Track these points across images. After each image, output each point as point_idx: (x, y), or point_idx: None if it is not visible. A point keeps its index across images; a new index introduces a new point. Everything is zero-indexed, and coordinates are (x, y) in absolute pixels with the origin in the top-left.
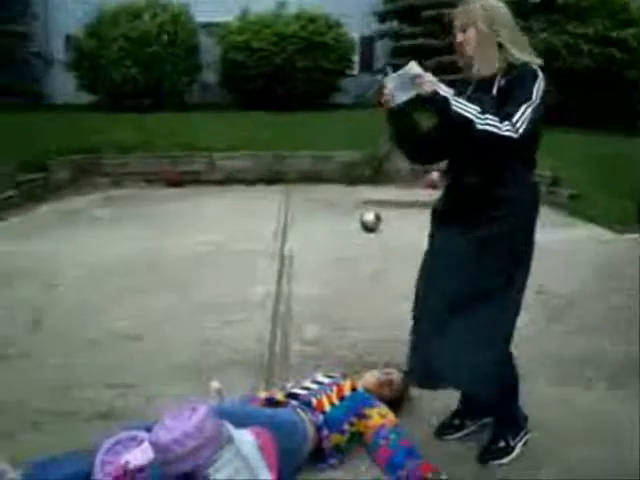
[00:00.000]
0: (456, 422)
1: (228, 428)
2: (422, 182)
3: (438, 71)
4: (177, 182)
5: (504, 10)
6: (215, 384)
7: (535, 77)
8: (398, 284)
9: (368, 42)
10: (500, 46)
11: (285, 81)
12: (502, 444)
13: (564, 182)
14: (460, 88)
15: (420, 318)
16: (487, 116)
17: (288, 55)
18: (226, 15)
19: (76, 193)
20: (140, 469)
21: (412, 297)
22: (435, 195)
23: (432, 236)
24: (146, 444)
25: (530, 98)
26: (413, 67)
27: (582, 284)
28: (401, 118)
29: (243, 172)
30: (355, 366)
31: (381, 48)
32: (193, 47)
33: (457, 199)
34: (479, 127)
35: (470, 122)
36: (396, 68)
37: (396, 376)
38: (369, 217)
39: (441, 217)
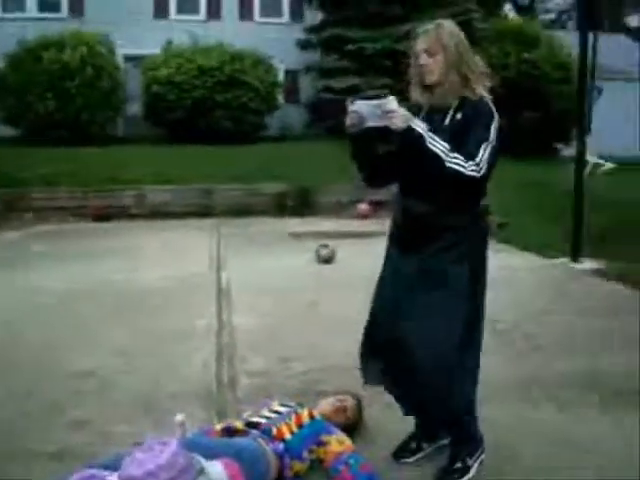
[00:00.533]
0: (413, 445)
1: (199, 460)
2: (352, 213)
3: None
4: (104, 216)
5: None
6: (179, 417)
7: (492, 117)
8: (335, 313)
9: (293, 75)
10: (463, 77)
11: (207, 115)
12: (459, 465)
13: (492, 210)
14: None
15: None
16: (455, 155)
17: (209, 90)
18: (151, 48)
19: (5, 228)
20: None
21: (348, 324)
22: (364, 225)
23: (389, 257)
24: None
25: (488, 139)
26: (391, 102)
27: (523, 308)
28: (363, 143)
29: (172, 206)
30: (305, 395)
31: (306, 81)
32: (117, 80)
33: (409, 227)
34: (447, 165)
35: (439, 159)
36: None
37: (350, 402)
38: (324, 251)
39: (397, 242)
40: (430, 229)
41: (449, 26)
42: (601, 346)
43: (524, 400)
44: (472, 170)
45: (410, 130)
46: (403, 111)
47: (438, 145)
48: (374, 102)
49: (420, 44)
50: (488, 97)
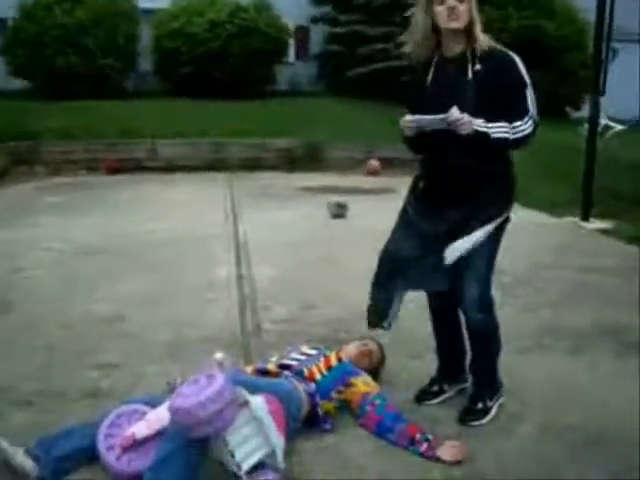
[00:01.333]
0: (435, 388)
1: (244, 394)
2: (363, 169)
3: (370, 59)
4: (117, 169)
5: None
6: (219, 355)
7: (517, 62)
8: (350, 264)
9: (303, 30)
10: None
11: (220, 68)
12: (480, 406)
13: None
14: (417, 80)
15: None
16: (513, 125)
17: (222, 41)
18: (163, 2)
19: (15, 181)
20: (145, 440)
21: (364, 275)
22: (375, 182)
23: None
24: (150, 416)
25: (526, 83)
26: (454, 113)
27: (528, 263)
28: (416, 140)
29: (184, 159)
30: (328, 341)
31: (316, 35)
32: (132, 35)
33: (446, 178)
34: (512, 138)
35: (506, 140)
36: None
37: (373, 346)
38: (336, 206)
39: (427, 195)
40: (475, 179)
41: None
42: (608, 301)
43: (537, 349)
44: (530, 126)
45: (476, 132)
46: (466, 116)
47: (500, 129)
48: (437, 117)
49: None
50: (500, 46)
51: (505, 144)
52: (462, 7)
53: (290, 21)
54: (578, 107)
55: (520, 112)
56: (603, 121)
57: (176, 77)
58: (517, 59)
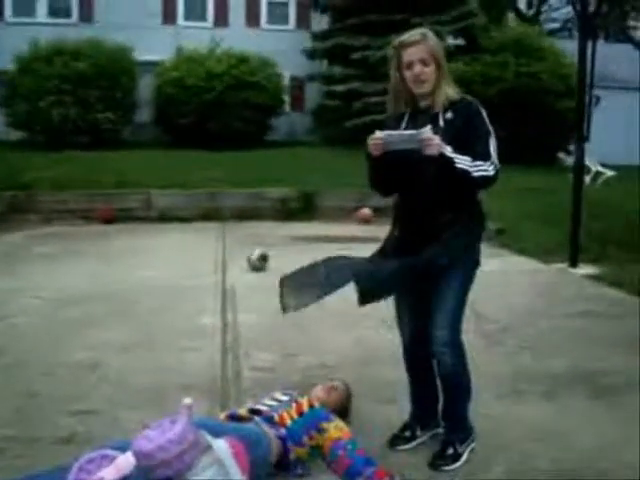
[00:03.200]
0: (407, 434)
1: (206, 437)
2: (354, 217)
3: (365, 112)
4: (112, 219)
5: None
6: (187, 400)
7: (482, 111)
8: (337, 311)
9: (298, 81)
10: (447, 81)
11: (217, 118)
12: (451, 451)
13: (490, 216)
14: (391, 123)
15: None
16: (476, 163)
17: (219, 92)
18: (163, 54)
19: (8, 230)
20: None
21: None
22: (366, 230)
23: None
24: (119, 461)
25: (489, 131)
26: (427, 132)
27: (514, 310)
28: (379, 161)
29: (179, 210)
30: (305, 387)
31: (311, 88)
32: (130, 87)
33: (415, 230)
34: (474, 175)
35: (467, 172)
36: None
37: (338, 383)
38: (254, 256)
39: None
40: (438, 225)
41: (432, 35)
42: (589, 346)
43: (513, 394)
44: (493, 169)
45: (442, 155)
46: (437, 139)
47: (463, 162)
48: (409, 132)
49: (414, 54)
50: (465, 95)
51: (467, 177)
52: (428, 70)
53: (286, 72)
54: (568, 152)
55: (482, 155)
56: (594, 167)
57: (174, 128)
58: (482, 109)
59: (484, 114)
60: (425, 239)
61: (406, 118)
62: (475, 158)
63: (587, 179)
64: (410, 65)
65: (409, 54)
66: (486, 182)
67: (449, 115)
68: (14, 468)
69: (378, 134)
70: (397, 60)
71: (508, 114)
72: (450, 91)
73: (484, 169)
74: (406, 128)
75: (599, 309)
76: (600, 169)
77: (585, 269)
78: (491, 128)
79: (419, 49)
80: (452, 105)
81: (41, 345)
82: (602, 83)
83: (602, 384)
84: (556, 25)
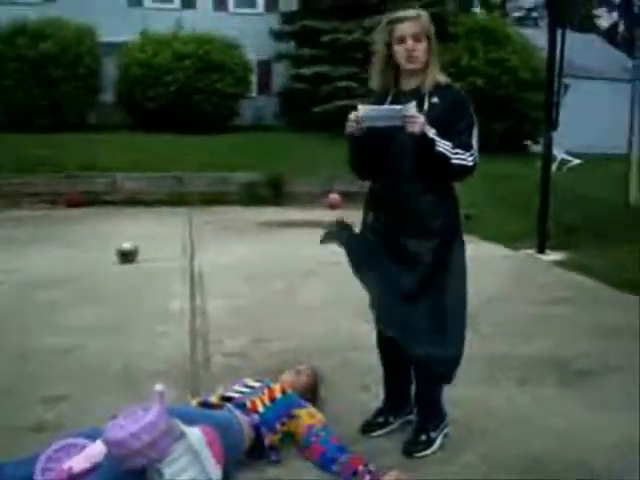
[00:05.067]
0: (380, 420)
1: (179, 425)
2: (323, 203)
3: (334, 96)
4: (78, 203)
5: None
6: (159, 387)
7: (468, 102)
8: (306, 298)
9: (265, 65)
10: (436, 64)
11: (183, 103)
12: (424, 437)
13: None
14: (373, 103)
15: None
16: (457, 150)
17: (186, 77)
18: (128, 35)
19: None
20: (83, 473)
21: (320, 308)
22: (335, 215)
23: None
24: (89, 449)
25: (474, 123)
26: (411, 108)
27: (484, 296)
28: (360, 142)
29: (144, 193)
30: (276, 374)
31: (278, 70)
32: (94, 68)
33: (394, 212)
34: (453, 161)
35: (446, 157)
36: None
37: (305, 366)
38: (127, 246)
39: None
40: (417, 208)
41: (426, 15)
42: (560, 332)
43: (487, 380)
44: (472, 160)
45: (424, 135)
46: (421, 118)
47: (443, 145)
48: (394, 107)
49: (407, 29)
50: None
51: (445, 162)
52: (420, 46)
53: (253, 55)
54: (537, 141)
55: (464, 145)
56: (559, 155)
57: (141, 110)
58: (468, 98)
59: (470, 104)
60: (402, 225)
61: (389, 99)
62: (457, 146)
63: (553, 167)
64: (403, 39)
65: (402, 29)
66: (463, 171)
67: (435, 99)
68: None
69: (360, 108)
70: (388, 35)
71: (478, 103)
72: (439, 75)
73: (463, 158)
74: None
75: (567, 295)
76: (565, 157)
77: (552, 255)
78: (475, 119)
79: (413, 25)
80: (439, 90)
81: (8, 330)
82: (568, 72)
83: (572, 370)
84: (521, 14)
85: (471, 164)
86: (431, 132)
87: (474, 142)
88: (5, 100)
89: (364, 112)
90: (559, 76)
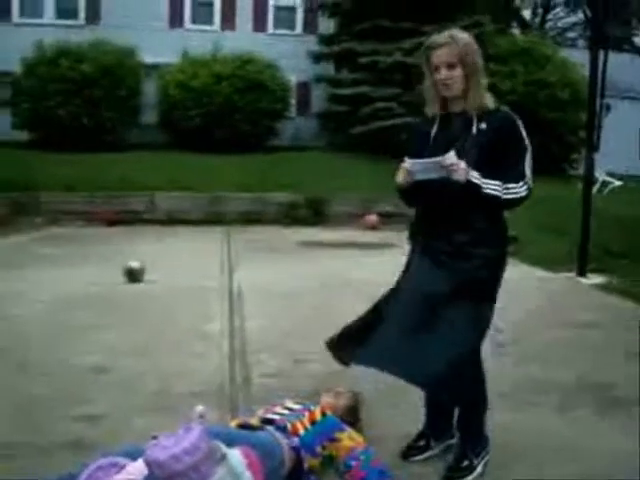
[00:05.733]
0: (421, 444)
1: (221, 447)
2: (361, 223)
3: (373, 117)
4: (117, 221)
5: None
6: (200, 408)
7: (520, 126)
8: (345, 318)
9: (304, 86)
10: (479, 87)
11: (223, 122)
12: (466, 463)
13: None
14: (423, 126)
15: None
16: (508, 186)
17: (226, 95)
18: (169, 56)
19: (12, 231)
20: None
21: None
22: (373, 236)
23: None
24: (129, 468)
25: (526, 148)
26: (451, 157)
27: (523, 319)
28: (410, 191)
29: (183, 212)
30: (317, 396)
31: (317, 93)
32: (135, 89)
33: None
34: (504, 198)
35: (497, 198)
36: (337, 115)
37: (344, 390)
38: (134, 265)
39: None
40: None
41: (464, 37)
42: (598, 357)
43: (523, 405)
44: (524, 190)
45: (469, 182)
46: (462, 164)
47: (492, 186)
48: (433, 159)
49: (439, 57)
50: (503, 106)
51: (496, 202)
52: (455, 73)
53: (292, 77)
54: (573, 166)
55: (516, 175)
56: (600, 177)
57: (179, 131)
58: (519, 122)
59: (521, 128)
60: (448, 254)
61: (437, 121)
62: (507, 177)
63: (593, 189)
64: (437, 68)
65: (436, 57)
66: (516, 203)
67: (483, 125)
68: (22, 474)
69: (406, 163)
70: (426, 62)
71: None
72: (485, 99)
73: (515, 192)
74: (437, 131)
75: (608, 319)
76: (607, 179)
77: (593, 279)
78: (528, 143)
79: (445, 52)
80: (487, 115)
81: (45, 348)
82: (609, 92)
83: (611, 395)
84: (560, 34)
85: (524, 194)
86: (475, 176)
87: (527, 169)
88: (48, 120)
89: (410, 166)
90: (601, 96)
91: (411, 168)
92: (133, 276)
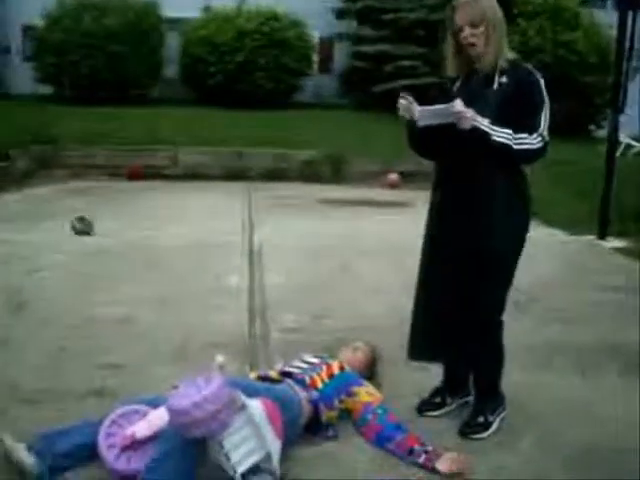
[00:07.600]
0: (437, 400)
1: (241, 396)
2: (382, 182)
3: (396, 76)
4: (139, 176)
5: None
6: (220, 359)
7: (539, 80)
8: (365, 275)
9: (327, 43)
10: (501, 45)
11: (246, 78)
12: (481, 419)
13: None
14: (447, 84)
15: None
16: (520, 135)
17: (249, 52)
18: (191, 11)
19: (35, 184)
20: (145, 440)
21: (378, 286)
22: (393, 195)
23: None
24: (152, 416)
25: (544, 101)
26: (458, 104)
27: (543, 281)
28: (418, 132)
29: (205, 167)
30: (335, 350)
31: (340, 50)
32: (158, 44)
33: (460, 192)
34: (516, 148)
35: (507, 146)
36: (358, 70)
37: (361, 343)
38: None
39: (444, 209)
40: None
41: None
42: (621, 320)
43: (542, 365)
44: (538, 143)
45: (476, 129)
46: (470, 112)
47: (502, 134)
48: (440, 106)
49: (462, 17)
50: (522, 61)
51: (508, 151)
52: (478, 32)
53: (315, 33)
54: (600, 125)
55: (529, 126)
56: (624, 140)
57: (202, 86)
58: (539, 77)
59: (541, 82)
60: (468, 208)
61: (461, 79)
62: (522, 129)
63: (618, 151)
64: (461, 28)
65: (459, 17)
66: (529, 155)
67: (504, 79)
68: (46, 420)
69: (415, 111)
70: (451, 22)
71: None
72: (507, 55)
73: (528, 142)
74: (460, 87)
75: (628, 282)
76: (631, 142)
77: (613, 242)
78: (546, 98)
79: (468, 12)
80: (509, 69)
81: (69, 300)
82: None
83: (630, 356)
84: None
85: (537, 146)
86: (484, 124)
87: (542, 121)
88: (71, 74)
89: (418, 113)
90: (628, 59)
91: (420, 114)
92: (83, 228)
